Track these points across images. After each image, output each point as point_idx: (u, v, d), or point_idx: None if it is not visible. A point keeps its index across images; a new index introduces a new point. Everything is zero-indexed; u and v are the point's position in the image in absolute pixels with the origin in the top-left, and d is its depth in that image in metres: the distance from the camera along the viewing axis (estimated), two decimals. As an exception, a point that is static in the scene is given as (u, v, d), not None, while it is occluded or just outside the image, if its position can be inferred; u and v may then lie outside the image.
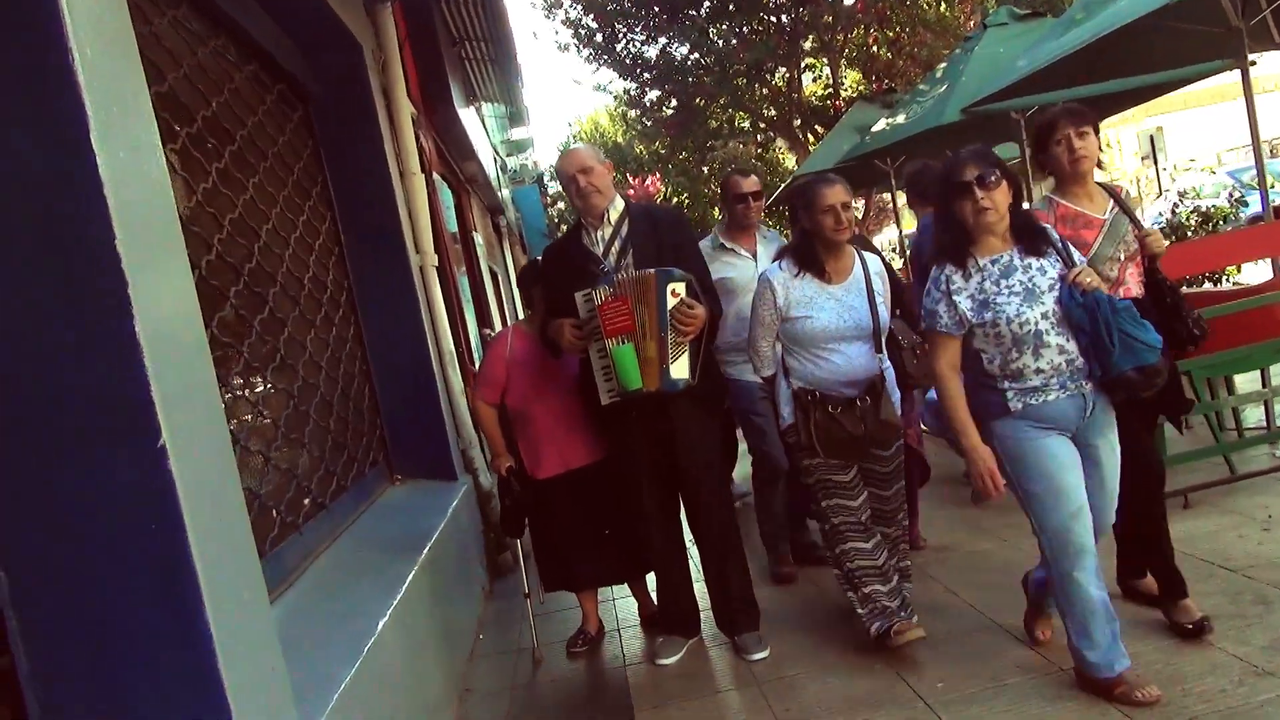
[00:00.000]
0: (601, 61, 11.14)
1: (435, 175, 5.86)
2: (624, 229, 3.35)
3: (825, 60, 10.29)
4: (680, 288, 3.14)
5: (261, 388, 3.13)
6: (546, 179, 28.59)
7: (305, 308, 3.79)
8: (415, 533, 3.81)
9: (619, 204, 3.41)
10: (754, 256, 4.22)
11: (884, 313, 3.27)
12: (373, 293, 4.65)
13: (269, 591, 2.74)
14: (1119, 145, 25.40)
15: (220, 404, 1.89)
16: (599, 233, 3.36)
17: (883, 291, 3.33)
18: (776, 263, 3.34)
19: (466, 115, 8.37)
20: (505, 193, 14.52)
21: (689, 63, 10.56)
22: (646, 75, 10.83)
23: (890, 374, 3.34)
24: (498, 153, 14.38)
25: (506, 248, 14.55)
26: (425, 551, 3.52)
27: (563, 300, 3.29)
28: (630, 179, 15.08)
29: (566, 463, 3.74)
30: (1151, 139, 20.22)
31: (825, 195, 3.15)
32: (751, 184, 4.33)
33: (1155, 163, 19.78)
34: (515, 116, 21.37)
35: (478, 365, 6.09)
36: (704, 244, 3.99)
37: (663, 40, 10.54)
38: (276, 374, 3.34)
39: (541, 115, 43.95)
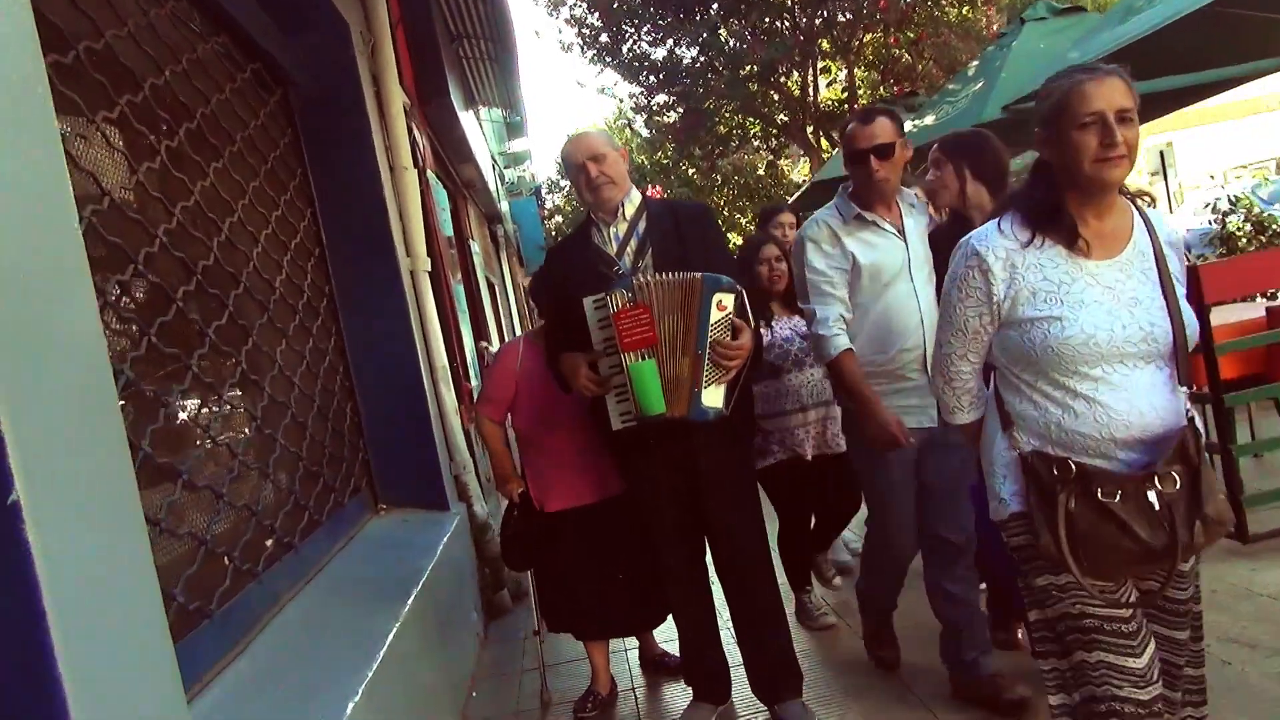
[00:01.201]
0: (606, 63, 10.69)
1: (430, 173, 5.38)
2: (641, 225, 2.85)
3: (842, 63, 9.83)
4: (729, 300, 2.62)
5: (215, 408, 2.62)
6: (544, 191, 28.28)
7: (276, 314, 3.28)
8: (400, 575, 3.30)
9: (635, 197, 2.91)
10: (900, 232, 2.91)
11: (1189, 313, 1.92)
12: (357, 300, 4.15)
13: (216, 661, 2.23)
14: (1130, 161, 24.98)
15: (122, 438, 1.39)
16: (612, 230, 2.86)
17: (1180, 273, 1.98)
18: (994, 222, 2.01)
19: (465, 119, 7.91)
20: (504, 205, 14.06)
21: (698, 64, 10.08)
22: (653, 79, 10.37)
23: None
24: (496, 161, 13.93)
25: (504, 259, 14.06)
26: (411, 599, 3.00)
27: (570, 309, 2.77)
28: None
29: (578, 496, 3.24)
30: (1161, 154, 19.88)
31: (1091, 95, 1.79)
32: (880, 132, 2.84)
33: (1165, 178, 19.45)
34: (514, 128, 21.05)
35: (474, 382, 5.58)
36: (826, 216, 2.92)
37: (670, 42, 10.09)
38: (237, 391, 2.83)
39: (540, 126, 43.49)
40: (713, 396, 2.61)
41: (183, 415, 2.40)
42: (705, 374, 2.58)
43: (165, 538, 2.14)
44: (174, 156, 2.65)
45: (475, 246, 8.62)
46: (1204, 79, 5.10)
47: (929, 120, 6.44)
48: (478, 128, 9.99)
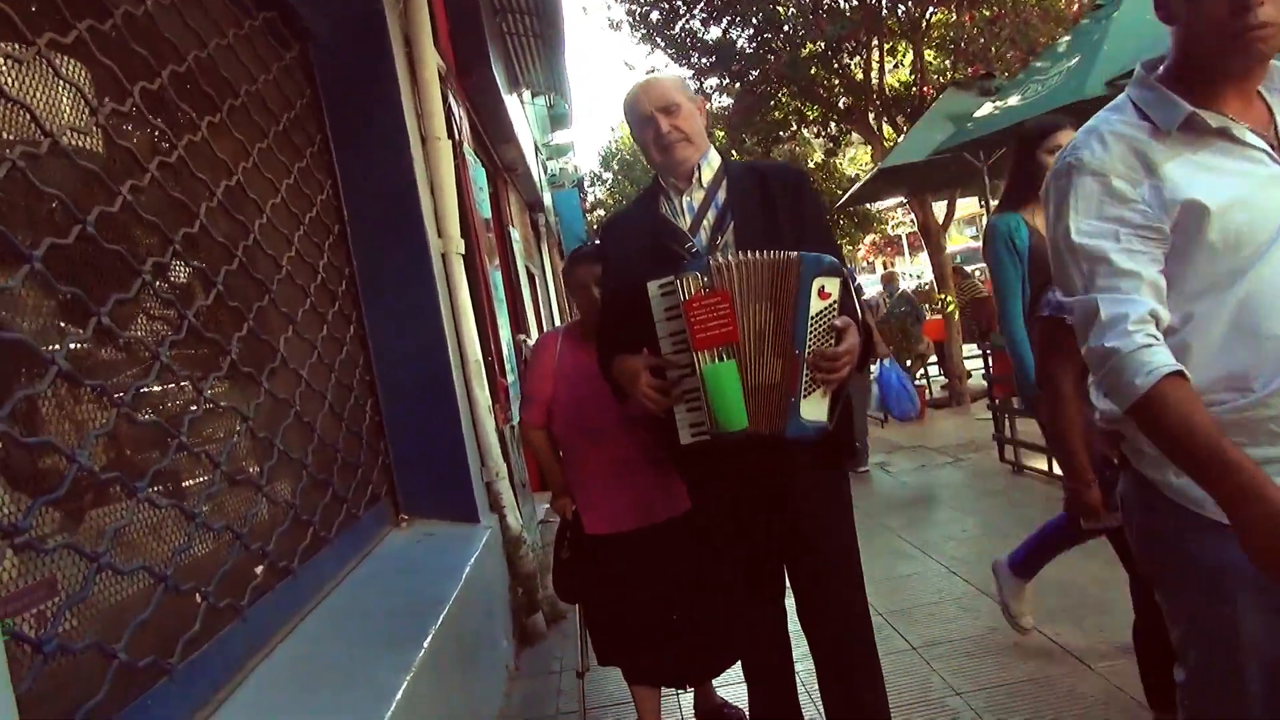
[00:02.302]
0: (656, 43, 10.12)
1: (466, 149, 4.90)
2: (720, 194, 2.29)
3: (909, 44, 9.18)
4: (833, 286, 2.07)
5: (197, 408, 2.15)
6: (586, 184, 27.81)
7: (282, 297, 2.83)
8: (421, 601, 2.83)
9: (713, 158, 2.35)
10: (1274, 144, 1.50)
11: None
12: (381, 283, 3.69)
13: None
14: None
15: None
16: (685, 199, 2.30)
17: None
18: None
19: (508, 99, 7.45)
20: (546, 197, 13.60)
21: (754, 44, 9.47)
22: (705, 61, 9.79)
23: None
24: (540, 149, 13.48)
25: (546, 249, 13.60)
26: (429, 638, 2.52)
27: (628, 296, 2.22)
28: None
29: (614, 521, 2.76)
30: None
31: None
32: None
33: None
34: (558, 119, 20.61)
35: (510, 378, 5.11)
36: (1117, 125, 1.54)
37: (725, 21, 9.49)
38: (226, 388, 2.36)
39: (584, 116, 42.94)
40: (814, 408, 2.07)
41: (150, 417, 1.93)
42: (804, 380, 2.06)
43: (109, 575, 1.67)
44: (151, 101, 2.19)
45: (515, 234, 8.15)
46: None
47: (1014, 101, 5.85)
48: (520, 110, 9.54)
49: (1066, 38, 6.15)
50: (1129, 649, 2.63)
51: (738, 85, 9.82)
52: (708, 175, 2.32)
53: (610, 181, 31.11)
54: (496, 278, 5.30)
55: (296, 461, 2.69)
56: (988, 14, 8.34)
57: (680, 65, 10.13)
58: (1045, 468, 5.75)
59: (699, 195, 2.31)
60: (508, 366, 5.11)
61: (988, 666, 3.19)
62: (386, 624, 2.60)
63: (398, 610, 2.73)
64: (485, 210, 5.35)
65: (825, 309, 2.05)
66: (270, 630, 2.29)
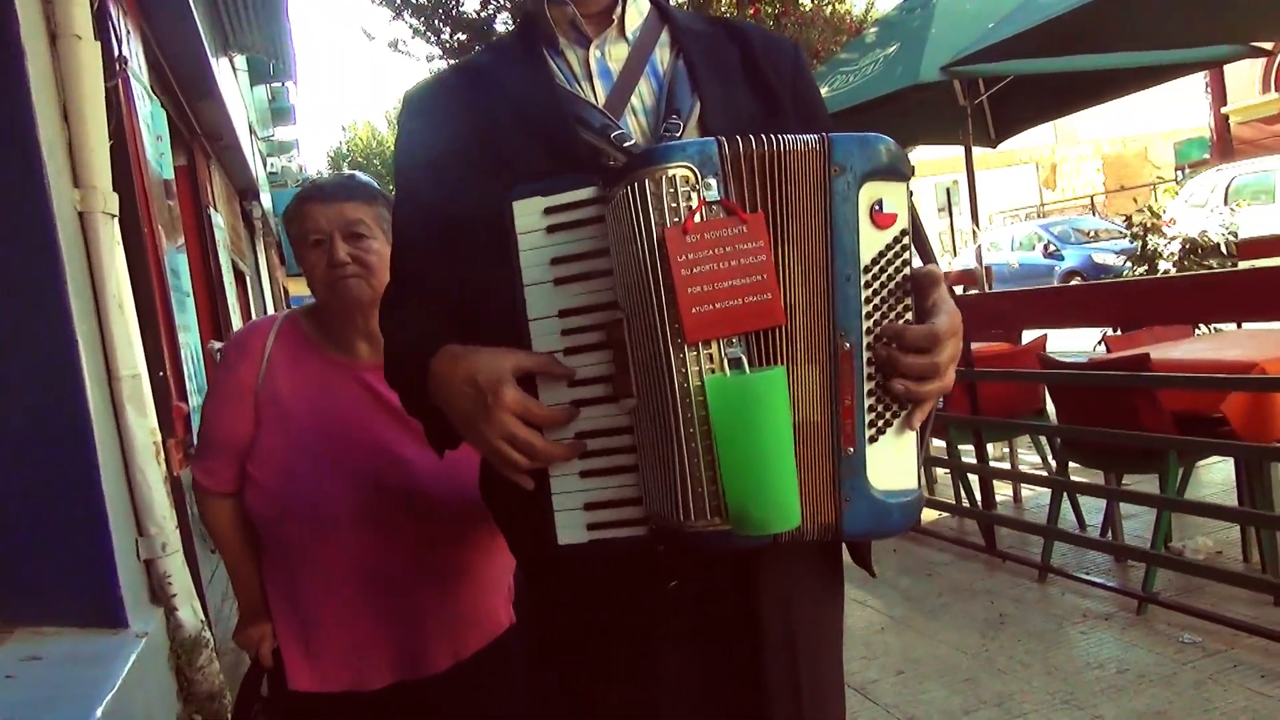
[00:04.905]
0: (398, 9, 8.77)
1: (138, 78, 3.49)
2: (662, 53, 1.28)
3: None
4: (896, 198, 1.06)
5: None
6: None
7: None
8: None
9: (641, 2, 1.31)
10: None
11: None
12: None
13: None
14: (918, 196, 26.36)
15: None
16: (594, 54, 1.25)
17: None
18: None
19: (216, 63, 5.94)
20: (266, 198, 11.72)
21: (515, 26, 8.51)
22: (460, 37, 8.61)
23: None
24: (255, 131, 11.66)
25: (261, 247, 11.69)
26: None
27: (470, 225, 1.16)
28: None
29: (357, 672, 1.63)
30: (948, 191, 20.79)
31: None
32: None
33: (951, 216, 20.34)
34: (280, 113, 18.58)
35: (195, 401, 3.68)
36: None
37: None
38: None
39: (310, 103, 39.82)
40: (891, 460, 1.08)
41: None
42: (864, 401, 1.06)
43: None
44: None
45: (219, 219, 6.55)
46: (1166, 59, 4.23)
47: (822, 91, 5.33)
48: (231, 74, 7.93)
49: (874, 29, 5.78)
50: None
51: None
52: (634, 19, 1.27)
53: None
54: (179, 262, 3.88)
55: None
56: (771, 10, 7.93)
57: (429, 42, 8.89)
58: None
59: (618, 49, 1.26)
60: (190, 386, 3.68)
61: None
62: None
63: None
64: (165, 169, 3.91)
65: (890, 247, 1.07)
66: None
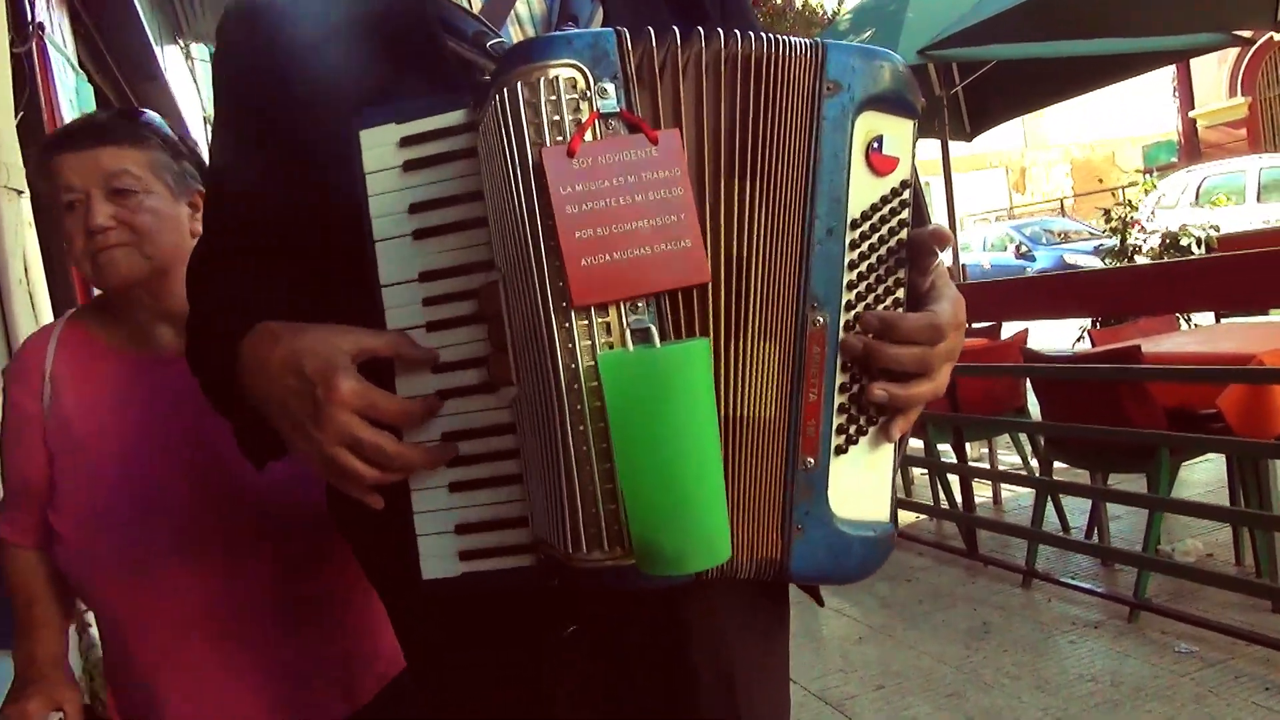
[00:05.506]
0: None
1: (59, 50, 3.22)
2: None
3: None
4: (899, 137, 0.81)
5: None
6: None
7: None
8: None
9: None
10: None
11: None
12: None
13: None
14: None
15: None
16: None
17: None
18: None
19: (163, 49, 5.68)
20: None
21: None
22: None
23: None
24: (210, 121, 11.30)
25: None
26: None
27: (305, 160, 0.87)
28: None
29: None
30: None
31: None
32: None
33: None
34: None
35: None
36: None
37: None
38: None
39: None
40: (859, 481, 0.83)
41: None
42: (835, 401, 0.81)
43: None
44: None
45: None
46: (1145, 47, 4.09)
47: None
48: (183, 62, 7.64)
49: (847, 15, 5.63)
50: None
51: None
52: None
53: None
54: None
55: None
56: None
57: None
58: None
59: None
60: None
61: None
62: None
63: None
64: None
65: (887, 200, 0.85)
66: None
